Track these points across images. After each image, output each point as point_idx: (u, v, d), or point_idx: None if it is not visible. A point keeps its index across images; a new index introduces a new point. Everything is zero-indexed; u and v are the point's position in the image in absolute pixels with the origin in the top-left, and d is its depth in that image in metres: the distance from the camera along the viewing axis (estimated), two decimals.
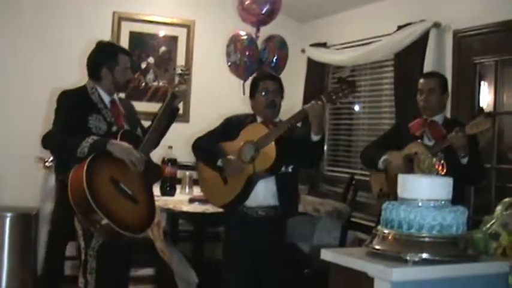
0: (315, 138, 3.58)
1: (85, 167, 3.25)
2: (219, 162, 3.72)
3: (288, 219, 3.91)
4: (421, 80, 3.91)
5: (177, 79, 3.89)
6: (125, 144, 3.45)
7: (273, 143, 3.63)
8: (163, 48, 6.35)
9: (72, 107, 3.51)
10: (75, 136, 3.37)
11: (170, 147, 5.02)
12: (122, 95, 4.08)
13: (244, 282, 3.76)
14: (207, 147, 3.85)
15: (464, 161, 3.57)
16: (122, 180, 3.40)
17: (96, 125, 3.48)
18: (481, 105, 4.56)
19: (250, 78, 5.47)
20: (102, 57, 3.60)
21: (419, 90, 3.86)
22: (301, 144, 3.64)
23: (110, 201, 3.29)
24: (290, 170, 3.76)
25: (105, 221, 3.21)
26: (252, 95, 3.87)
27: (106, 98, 3.58)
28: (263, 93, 3.79)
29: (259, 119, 3.83)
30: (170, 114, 3.78)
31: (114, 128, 3.53)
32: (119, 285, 3.63)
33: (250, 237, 3.73)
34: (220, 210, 4.17)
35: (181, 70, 3.93)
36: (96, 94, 3.56)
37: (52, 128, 3.50)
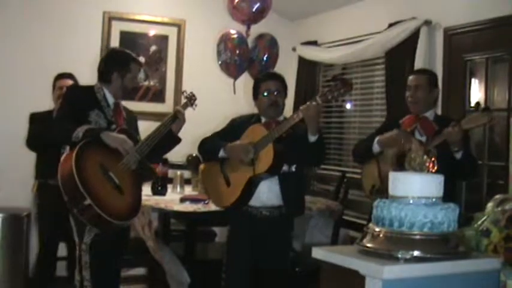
0: (312, 138, 3.58)
1: (77, 148, 3.33)
2: (221, 153, 3.76)
3: (293, 219, 3.90)
4: (410, 77, 3.94)
5: (183, 101, 3.95)
6: (120, 135, 3.52)
7: (271, 144, 3.63)
8: (153, 48, 6.33)
9: (76, 100, 3.60)
10: (73, 123, 3.44)
11: None
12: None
13: (245, 281, 3.76)
14: (210, 145, 3.88)
15: (459, 155, 3.55)
16: (111, 169, 3.45)
17: (96, 120, 3.54)
18: (476, 100, 4.54)
19: (242, 76, 5.54)
20: (115, 64, 3.66)
21: (407, 87, 3.88)
22: (300, 145, 3.63)
23: (96, 184, 3.34)
24: (293, 169, 3.76)
25: (87, 202, 3.23)
26: (255, 96, 3.88)
27: (110, 99, 3.66)
28: (265, 94, 3.79)
29: (263, 119, 3.84)
30: (168, 135, 3.73)
31: (113, 127, 3.59)
32: (112, 280, 3.66)
33: (254, 237, 3.74)
34: (212, 209, 4.19)
35: (189, 95, 3.98)
36: (102, 93, 3.63)
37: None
